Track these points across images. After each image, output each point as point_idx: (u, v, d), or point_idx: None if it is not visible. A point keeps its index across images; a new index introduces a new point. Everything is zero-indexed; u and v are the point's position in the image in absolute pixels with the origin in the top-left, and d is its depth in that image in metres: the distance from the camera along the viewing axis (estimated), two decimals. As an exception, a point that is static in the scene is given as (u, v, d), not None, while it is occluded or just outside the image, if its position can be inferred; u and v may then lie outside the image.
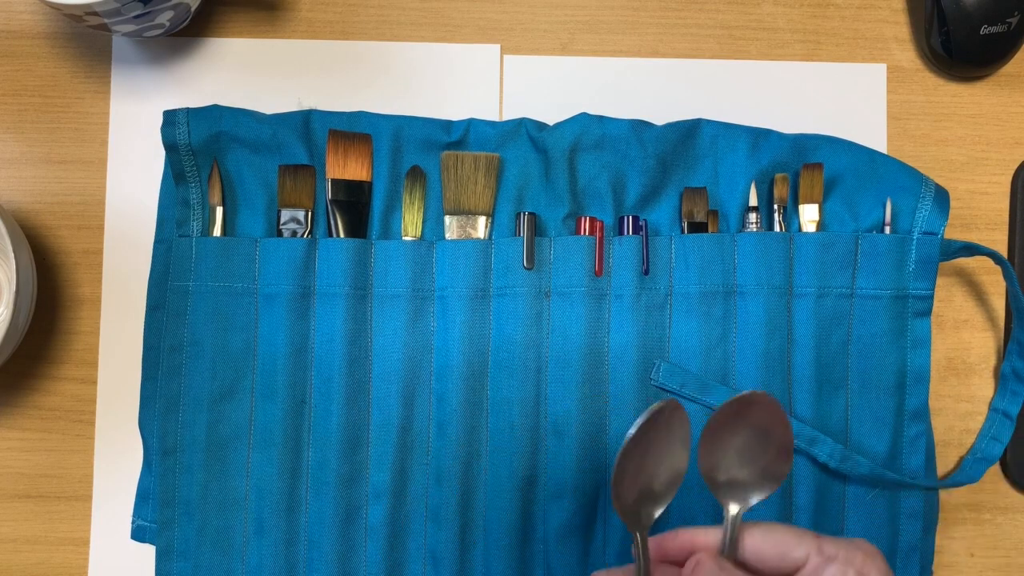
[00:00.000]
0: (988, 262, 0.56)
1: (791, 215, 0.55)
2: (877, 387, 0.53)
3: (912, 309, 0.54)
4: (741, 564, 0.40)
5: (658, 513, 0.41)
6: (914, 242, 0.53)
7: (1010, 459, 0.56)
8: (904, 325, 0.54)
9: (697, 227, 0.54)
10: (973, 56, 0.56)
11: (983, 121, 0.58)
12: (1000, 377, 0.56)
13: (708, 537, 0.41)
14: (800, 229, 0.55)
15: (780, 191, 0.54)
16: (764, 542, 0.40)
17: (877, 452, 0.53)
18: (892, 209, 0.54)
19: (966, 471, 0.55)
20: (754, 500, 0.41)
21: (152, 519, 0.53)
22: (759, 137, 0.54)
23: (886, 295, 0.53)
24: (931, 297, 0.54)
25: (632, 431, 0.38)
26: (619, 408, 0.53)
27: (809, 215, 0.54)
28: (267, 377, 0.53)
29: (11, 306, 0.49)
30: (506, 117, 0.57)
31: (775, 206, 0.54)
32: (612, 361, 0.53)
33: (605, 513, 0.53)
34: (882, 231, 0.54)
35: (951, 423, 0.57)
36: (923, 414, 0.54)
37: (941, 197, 0.54)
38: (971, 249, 0.54)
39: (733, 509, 0.41)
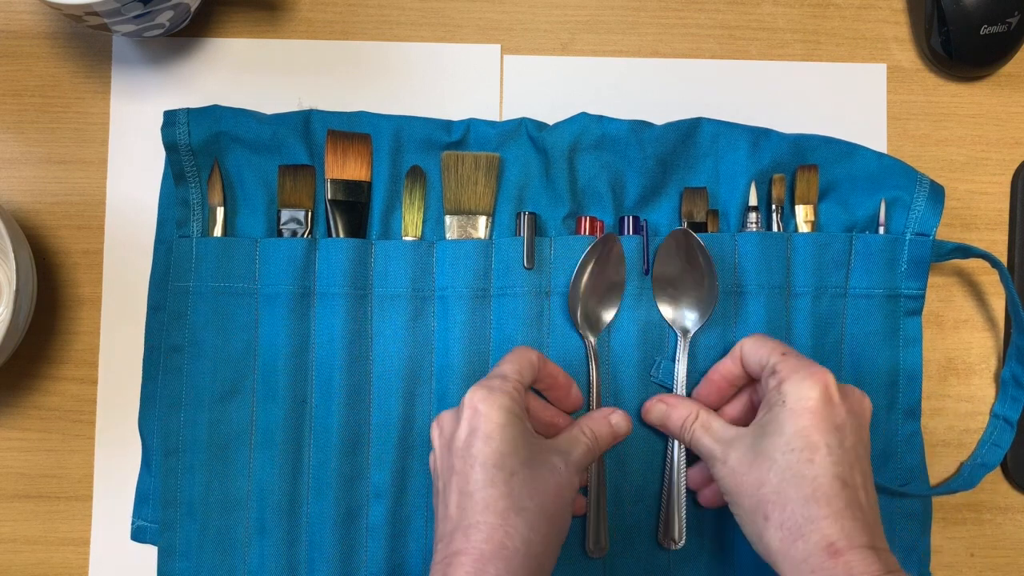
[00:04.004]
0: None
1: (787, 215, 0.55)
2: (870, 385, 0.53)
3: (904, 308, 0.54)
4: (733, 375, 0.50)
5: (608, 318, 0.53)
6: (906, 243, 0.53)
7: (1010, 460, 0.56)
8: (896, 324, 0.54)
9: (697, 227, 0.54)
10: (973, 56, 0.56)
11: (983, 121, 0.58)
12: (1000, 383, 0.56)
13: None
14: (796, 229, 0.55)
15: (777, 191, 0.54)
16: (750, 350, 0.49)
17: (872, 451, 0.53)
18: (888, 207, 0.54)
19: (964, 476, 0.55)
20: (699, 323, 0.53)
21: (152, 519, 0.53)
22: (760, 136, 0.54)
23: (878, 294, 0.53)
24: (923, 297, 0.54)
25: (581, 257, 0.52)
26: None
27: (804, 216, 0.54)
28: (268, 377, 0.53)
29: (11, 306, 0.49)
30: (506, 117, 0.57)
31: (772, 206, 0.54)
32: (613, 360, 0.53)
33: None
34: (876, 230, 0.54)
35: (951, 423, 0.57)
36: (916, 413, 0.54)
37: (936, 195, 0.54)
38: (965, 251, 0.54)
39: (689, 327, 0.53)
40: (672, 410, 0.50)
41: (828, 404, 0.44)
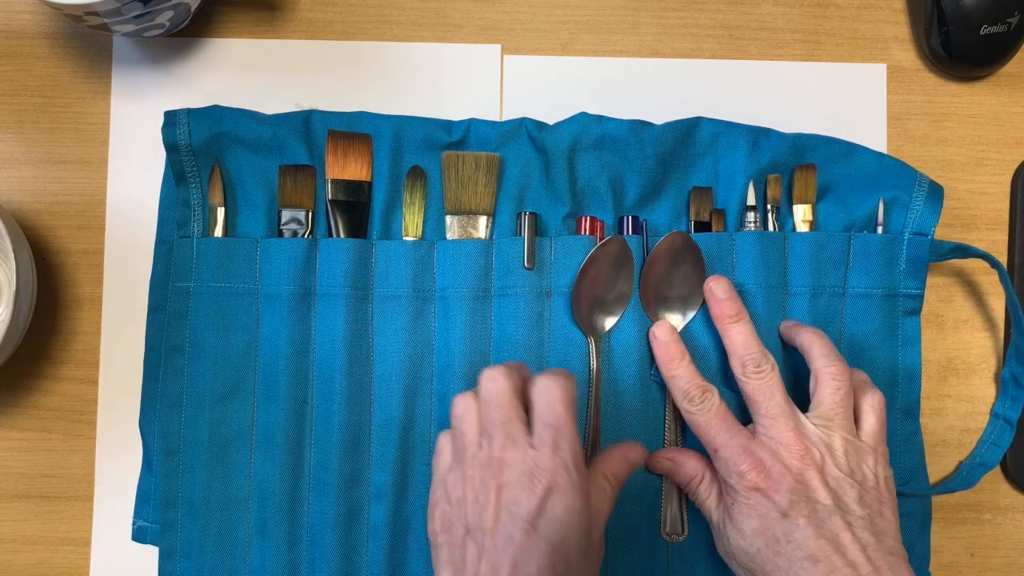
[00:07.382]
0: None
1: (785, 215, 0.55)
2: None
3: (903, 308, 0.54)
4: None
5: (609, 325, 0.53)
6: (905, 242, 0.53)
7: (1010, 460, 0.56)
8: (895, 324, 0.54)
9: (702, 226, 0.54)
10: (973, 56, 0.56)
11: (983, 121, 0.58)
12: (1000, 383, 0.56)
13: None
14: (794, 229, 0.55)
15: (773, 191, 0.54)
16: None
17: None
18: (886, 207, 0.54)
19: (963, 476, 0.55)
20: (690, 315, 0.53)
21: (153, 520, 0.53)
22: (759, 136, 0.54)
23: (877, 294, 0.53)
24: (921, 296, 0.54)
25: (585, 258, 0.52)
26: (619, 404, 0.53)
27: (803, 215, 0.54)
28: (268, 377, 0.53)
29: (11, 306, 0.49)
30: (506, 117, 0.57)
31: (768, 206, 0.54)
32: (612, 359, 0.53)
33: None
34: (875, 230, 0.54)
35: (951, 423, 0.57)
36: (915, 412, 0.54)
37: (934, 195, 0.54)
38: (964, 251, 0.54)
39: (677, 322, 0.53)
40: (678, 468, 0.51)
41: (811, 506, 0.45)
